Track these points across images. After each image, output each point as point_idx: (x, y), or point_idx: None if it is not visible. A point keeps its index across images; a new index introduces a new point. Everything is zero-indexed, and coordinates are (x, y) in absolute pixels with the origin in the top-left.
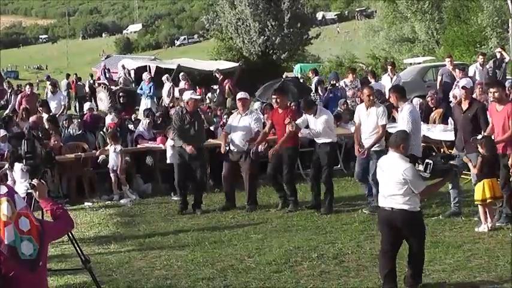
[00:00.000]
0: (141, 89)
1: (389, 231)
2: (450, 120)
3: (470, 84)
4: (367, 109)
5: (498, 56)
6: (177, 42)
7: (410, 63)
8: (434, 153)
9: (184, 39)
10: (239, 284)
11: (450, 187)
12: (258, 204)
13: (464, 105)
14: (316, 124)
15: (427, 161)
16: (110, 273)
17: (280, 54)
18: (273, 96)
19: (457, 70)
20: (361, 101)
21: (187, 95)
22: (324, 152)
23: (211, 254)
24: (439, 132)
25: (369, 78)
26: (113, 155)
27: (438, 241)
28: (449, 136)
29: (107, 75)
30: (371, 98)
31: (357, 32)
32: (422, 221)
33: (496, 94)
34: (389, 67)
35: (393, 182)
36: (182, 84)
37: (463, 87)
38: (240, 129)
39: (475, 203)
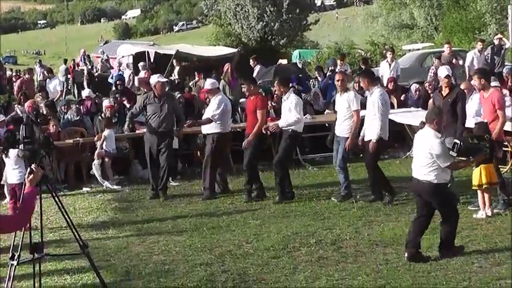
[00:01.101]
0: (112, 77)
1: (419, 199)
2: None
3: (450, 72)
4: (340, 95)
5: (497, 42)
6: (176, 28)
7: (409, 50)
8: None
9: (183, 24)
10: (237, 269)
11: None
12: (216, 192)
13: (445, 92)
14: (284, 106)
15: (455, 140)
16: (108, 258)
17: (279, 40)
18: (242, 86)
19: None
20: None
21: (154, 79)
22: (284, 137)
23: (209, 240)
24: None
25: (361, 65)
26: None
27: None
28: None
29: (86, 62)
30: (342, 83)
31: (356, 18)
32: (446, 193)
33: (477, 83)
34: (389, 53)
35: (422, 154)
36: (142, 73)
37: (445, 77)
38: (206, 113)
39: (472, 188)
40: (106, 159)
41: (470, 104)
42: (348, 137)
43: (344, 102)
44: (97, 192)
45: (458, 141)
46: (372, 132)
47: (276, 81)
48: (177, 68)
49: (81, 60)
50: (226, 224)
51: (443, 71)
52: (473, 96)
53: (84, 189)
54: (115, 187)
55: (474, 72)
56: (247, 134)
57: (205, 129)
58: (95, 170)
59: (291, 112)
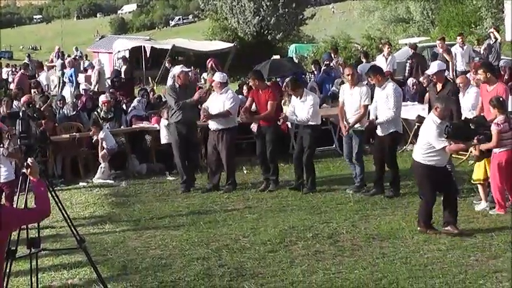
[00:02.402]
0: (63, 75)
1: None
2: None
3: (442, 67)
4: (350, 88)
5: (492, 36)
6: (172, 23)
7: (405, 44)
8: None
9: (179, 19)
10: (234, 263)
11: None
12: (237, 184)
13: (439, 87)
14: (303, 107)
15: (446, 123)
16: (105, 253)
17: (275, 34)
18: (249, 79)
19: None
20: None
21: (177, 69)
22: (306, 133)
23: (206, 234)
24: None
25: (361, 58)
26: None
27: (433, 221)
28: None
29: (61, 58)
30: (354, 77)
31: (352, 12)
32: (440, 175)
33: (482, 76)
34: (386, 47)
35: (421, 138)
36: (89, 72)
37: (435, 73)
38: (216, 107)
39: (474, 182)
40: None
41: (467, 97)
42: (363, 130)
43: (357, 95)
44: (94, 187)
45: (448, 124)
46: (389, 126)
47: (289, 85)
48: (89, 71)
49: (55, 56)
50: (223, 218)
51: (434, 67)
52: (469, 90)
53: (81, 183)
54: (111, 181)
55: (479, 66)
56: (262, 127)
57: (219, 124)
58: (100, 173)
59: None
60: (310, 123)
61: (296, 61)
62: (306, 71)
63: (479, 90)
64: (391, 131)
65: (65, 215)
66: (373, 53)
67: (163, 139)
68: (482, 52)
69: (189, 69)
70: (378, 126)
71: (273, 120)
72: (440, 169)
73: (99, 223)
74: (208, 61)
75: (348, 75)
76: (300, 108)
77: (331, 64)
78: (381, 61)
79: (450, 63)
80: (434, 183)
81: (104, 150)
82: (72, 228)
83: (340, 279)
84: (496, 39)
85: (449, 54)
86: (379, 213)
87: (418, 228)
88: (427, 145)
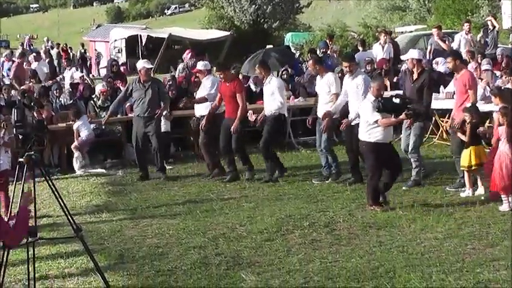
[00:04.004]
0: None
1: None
2: (442, 88)
3: (419, 55)
4: (320, 78)
5: (490, 24)
6: (168, 12)
7: (402, 32)
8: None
9: (176, 8)
10: (230, 252)
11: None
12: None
13: (415, 76)
14: (266, 90)
15: (378, 99)
16: (101, 241)
17: (271, 23)
18: (216, 73)
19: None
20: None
21: (140, 64)
22: (269, 119)
23: (202, 223)
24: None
25: (358, 46)
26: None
27: (430, 209)
28: (441, 104)
29: (31, 48)
30: (351, 68)
31: (348, 1)
32: (383, 152)
33: (450, 64)
34: (383, 35)
35: (361, 116)
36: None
37: (413, 59)
38: (200, 93)
39: (461, 169)
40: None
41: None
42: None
43: (324, 85)
44: (90, 176)
45: (379, 99)
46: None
47: (257, 65)
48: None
49: (26, 46)
50: (220, 207)
51: (412, 53)
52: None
53: (78, 172)
54: (99, 170)
55: (447, 54)
56: (227, 119)
57: (200, 111)
58: (76, 162)
59: (273, 95)
60: (272, 109)
61: (293, 50)
62: (302, 60)
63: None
64: None
65: (62, 204)
66: (370, 41)
67: (163, 127)
68: (478, 40)
69: (151, 66)
70: (353, 115)
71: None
72: (383, 146)
73: (96, 212)
74: (187, 52)
75: (346, 66)
76: (265, 91)
77: (328, 52)
78: (377, 49)
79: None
80: (378, 160)
81: (75, 142)
82: (69, 217)
83: (337, 268)
84: (494, 27)
85: (445, 42)
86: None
87: (367, 206)
88: (367, 123)
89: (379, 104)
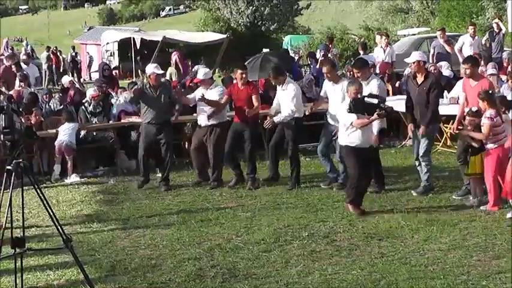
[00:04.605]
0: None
1: None
2: (446, 93)
3: (424, 57)
4: (332, 84)
5: (495, 27)
6: (163, 13)
7: (404, 35)
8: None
9: (170, 10)
10: (227, 263)
11: (417, 164)
12: (223, 181)
13: (419, 79)
14: (283, 95)
15: (350, 99)
16: (92, 252)
17: (269, 25)
18: (239, 71)
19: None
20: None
21: (150, 69)
22: (289, 125)
23: (197, 233)
24: None
25: (359, 50)
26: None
27: (433, 219)
28: (445, 110)
29: (9, 51)
30: (332, 75)
31: (349, 2)
32: (347, 155)
33: (468, 71)
34: (383, 38)
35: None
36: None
37: (416, 61)
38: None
39: (467, 177)
40: (66, 155)
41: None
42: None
43: (339, 92)
44: (81, 184)
45: (351, 100)
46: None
47: (271, 74)
48: None
49: (4, 49)
50: (215, 216)
51: (415, 56)
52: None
53: (68, 180)
54: (76, 180)
55: (463, 60)
56: (236, 124)
57: (210, 119)
58: (56, 169)
59: (288, 102)
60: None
61: (292, 53)
62: (301, 64)
63: (462, 84)
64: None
65: (51, 214)
66: (371, 44)
67: None
68: (483, 43)
69: (162, 72)
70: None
71: (253, 116)
72: (361, 150)
73: (87, 222)
74: (173, 54)
75: (326, 73)
76: (282, 99)
77: (329, 55)
78: (379, 53)
79: (451, 55)
80: (356, 163)
81: (56, 146)
82: (58, 227)
83: (337, 280)
84: (500, 29)
85: (450, 45)
86: (377, 211)
87: (345, 203)
88: (344, 126)
89: (349, 105)
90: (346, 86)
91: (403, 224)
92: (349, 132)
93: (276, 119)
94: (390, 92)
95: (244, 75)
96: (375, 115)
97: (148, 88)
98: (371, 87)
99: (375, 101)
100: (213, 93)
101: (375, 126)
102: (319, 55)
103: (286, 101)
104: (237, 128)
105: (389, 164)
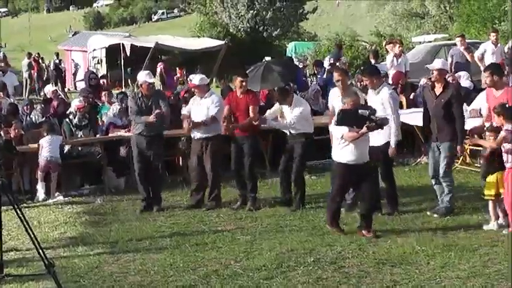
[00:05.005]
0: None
1: None
2: (465, 106)
3: (446, 66)
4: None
5: None
6: (155, 17)
7: (420, 42)
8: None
9: (163, 13)
10: None
11: (433, 183)
12: (222, 200)
13: (438, 90)
14: (292, 115)
15: (337, 111)
16: (77, 279)
17: (271, 31)
18: (239, 79)
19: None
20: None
21: (142, 77)
22: (297, 142)
23: (192, 258)
24: None
25: (370, 58)
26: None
27: (451, 244)
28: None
29: None
30: (343, 83)
31: (359, 6)
32: (338, 171)
33: (488, 80)
34: (397, 45)
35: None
36: None
37: (437, 69)
38: (199, 114)
39: (485, 198)
40: (52, 172)
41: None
42: (387, 144)
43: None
44: (65, 204)
45: (338, 111)
46: (384, 135)
47: (277, 93)
48: None
49: None
50: (212, 240)
51: (438, 63)
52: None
53: (51, 200)
54: (60, 199)
55: (485, 68)
56: (239, 138)
57: (203, 132)
58: (40, 188)
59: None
60: (300, 130)
61: (296, 62)
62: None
63: (485, 94)
64: (386, 140)
65: (32, 236)
66: (383, 52)
67: None
68: (506, 51)
69: (153, 81)
70: (373, 135)
71: (252, 129)
72: (354, 167)
73: (71, 245)
74: (158, 65)
75: (338, 81)
76: (289, 115)
77: (337, 64)
78: (391, 61)
79: (471, 64)
80: (343, 182)
81: (41, 163)
82: (40, 251)
83: None
84: None
85: (470, 53)
86: (389, 235)
87: (327, 225)
88: (337, 140)
89: (337, 116)
90: (342, 98)
91: (417, 249)
92: (341, 147)
93: (273, 122)
94: (404, 104)
95: (244, 83)
96: (364, 128)
97: (140, 98)
98: (382, 96)
99: (365, 112)
100: (206, 103)
101: (392, 138)
102: (326, 64)
103: (292, 116)
104: (238, 141)
105: (403, 183)
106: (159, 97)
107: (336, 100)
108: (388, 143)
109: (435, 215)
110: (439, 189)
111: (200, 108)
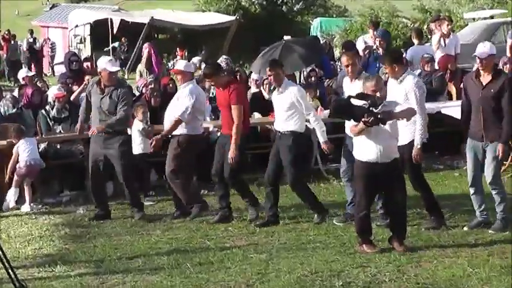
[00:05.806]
0: None
1: None
2: None
3: (494, 51)
4: (351, 81)
5: None
6: None
7: (473, 19)
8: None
9: None
10: None
11: (472, 192)
12: (241, 210)
13: (484, 79)
14: (280, 102)
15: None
16: None
17: (292, 4)
18: (206, 80)
19: None
20: None
21: (102, 64)
22: (284, 144)
23: (194, 281)
24: None
25: (413, 38)
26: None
27: (510, 265)
28: None
29: None
30: (353, 68)
31: None
32: (358, 172)
33: None
34: (445, 23)
35: None
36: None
37: (483, 56)
38: (171, 107)
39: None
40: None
41: None
42: (411, 144)
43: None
44: (40, 214)
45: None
46: (408, 134)
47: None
48: None
49: None
50: (219, 258)
51: (482, 48)
52: None
53: (23, 209)
54: (34, 208)
55: None
56: (223, 137)
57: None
58: (11, 195)
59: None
60: (288, 129)
61: (322, 42)
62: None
63: None
64: (411, 139)
65: (0, 253)
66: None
67: (137, 148)
68: None
69: (116, 69)
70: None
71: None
72: (376, 166)
73: (47, 263)
74: (144, 47)
75: (347, 66)
76: (275, 107)
77: (374, 47)
78: (437, 42)
79: None
80: (366, 184)
81: (17, 168)
82: (9, 271)
83: None
84: None
85: None
86: (435, 254)
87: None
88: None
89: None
90: (363, 81)
91: (469, 272)
92: (359, 142)
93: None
94: (453, 95)
95: (212, 82)
96: (361, 123)
97: (96, 86)
98: (405, 86)
99: (364, 103)
100: (183, 93)
101: (417, 137)
102: (361, 45)
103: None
104: (221, 141)
105: (451, 191)
106: (121, 93)
107: (347, 87)
108: (412, 142)
109: (490, 231)
110: (476, 200)
111: (174, 100)
